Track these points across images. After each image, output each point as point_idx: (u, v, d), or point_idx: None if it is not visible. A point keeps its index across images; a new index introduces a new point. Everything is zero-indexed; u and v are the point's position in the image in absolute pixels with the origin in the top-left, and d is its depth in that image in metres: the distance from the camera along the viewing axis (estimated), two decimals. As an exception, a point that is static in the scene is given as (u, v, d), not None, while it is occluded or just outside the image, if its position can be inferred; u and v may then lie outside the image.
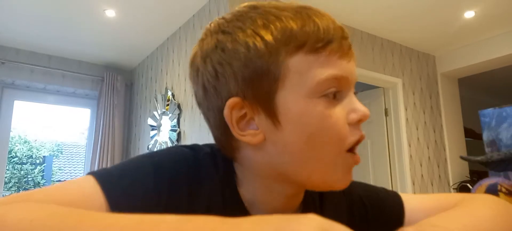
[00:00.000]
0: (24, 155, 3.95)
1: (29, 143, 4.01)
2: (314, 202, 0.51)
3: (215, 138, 0.48)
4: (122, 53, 3.67)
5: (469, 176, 3.68)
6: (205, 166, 0.45)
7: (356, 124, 0.43)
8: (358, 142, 0.43)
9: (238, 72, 0.41)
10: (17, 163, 3.86)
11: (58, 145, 3.93)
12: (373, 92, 3.60)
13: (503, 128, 0.64)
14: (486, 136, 0.70)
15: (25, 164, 4.01)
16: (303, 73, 0.41)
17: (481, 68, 3.82)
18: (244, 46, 0.41)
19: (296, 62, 0.41)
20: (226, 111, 0.42)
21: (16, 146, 3.87)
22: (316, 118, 0.40)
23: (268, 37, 0.41)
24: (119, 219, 0.29)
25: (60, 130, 3.94)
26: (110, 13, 2.83)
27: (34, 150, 4.01)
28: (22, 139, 3.96)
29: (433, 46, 3.77)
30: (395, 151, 3.39)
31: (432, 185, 3.53)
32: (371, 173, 3.51)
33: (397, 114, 3.42)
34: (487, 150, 0.68)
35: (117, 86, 3.78)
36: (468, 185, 3.39)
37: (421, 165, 3.47)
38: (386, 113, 3.49)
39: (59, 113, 3.95)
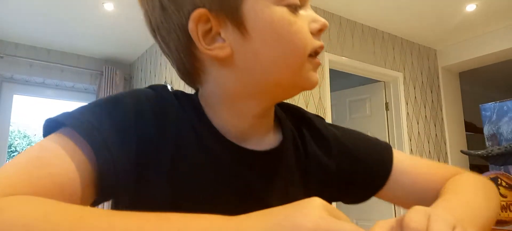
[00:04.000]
0: (24, 149, 3.95)
1: (28, 137, 4.01)
2: (294, 138, 0.51)
3: (177, 64, 0.46)
4: (121, 47, 3.65)
5: (469, 170, 3.67)
6: (167, 99, 0.44)
7: (317, 33, 0.44)
8: (319, 48, 0.44)
9: None
10: (17, 157, 3.87)
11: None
12: (373, 86, 3.58)
13: (504, 122, 0.63)
14: (487, 129, 0.69)
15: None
16: None
17: (482, 62, 3.79)
18: None
19: None
20: (191, 25, 0.40)
21: (16, 140, 3.88)
22: (283, 23, 0.41)
23: None
24: (121, 219, 0.28)
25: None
26: (109, 6, 2.81)
27: (33, 144, 4.01)
28: (21, 133, 3.96)
29: (434, 40, 3.74)
30: (395, 145, 3.38)
31: (432, 179, 3.52)
32: (371, 167, 3.50)
33: (397, 109, 3.41)
34: (487, 143, 0.67)
35: (116, 80, 3.77)
36: (469, 179, 3.38)
37: (421, 159, 3.46)
38: (387, 108, 3.48)
39: (58, 108, 3.94)
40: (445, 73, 3.93)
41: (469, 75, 4.15)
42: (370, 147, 0.56)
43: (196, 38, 0.41)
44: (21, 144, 3.97)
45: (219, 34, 0.41)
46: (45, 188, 0.32)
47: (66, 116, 0.37)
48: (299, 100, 2.72)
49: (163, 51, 0.47)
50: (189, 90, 0.51)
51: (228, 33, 0.41)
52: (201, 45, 0.41)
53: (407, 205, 0.53)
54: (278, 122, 0.51)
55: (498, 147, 0.62)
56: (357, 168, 0.53)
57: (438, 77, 3.88)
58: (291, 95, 0.47)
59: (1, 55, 3.30)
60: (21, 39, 3.41)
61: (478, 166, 3.61)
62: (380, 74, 3.39)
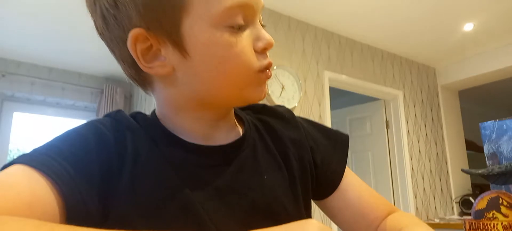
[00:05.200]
0: (23, 167, 3.93)
1: (28, 155, 4.00)
2: (257, 128, 0.52)
3: (125, 71, 0.46)
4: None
5: (471, 189, 3.64)
6: (123, 122, 0.44)
7: (262, 51, 0.43)
8: (266, 67, 0.44)
9: (139, 0, 0.39)
10: (15, 176, 3.84)
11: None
12: (373, 104, 3.59)
13: (504, 141, 0.63)
14: (487, 148, 0.69)
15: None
16: (208, 2, 0.40)
17: (481, 81, 3.81)
18: None
19: None
20: (129, 44, 0.40)
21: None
22: (223, 46, 0.40)
23: None
24: None
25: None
26: (110, 25, 2.84)
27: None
28: (20, 152, 3.95)
29: (433, 59, 3.77)
30: (396, 163, 3.36)
31: (434, 198, 3.48)
32: (372, 186, 3.47)
33: (398, 127, 3.40)
34: (488, 162, 0.66)
35: (116, 99, 3.78)
36: (471, 198, 3.34)
37: (423, 178, 3.43)
38: (387, 126, 3.47)
39: (57, 126, 3.94)
40: (444, 91, 3.95)
41: (469, 93, 4.16)
42: (329, 143, 0.57)
43: (135, 56, 0.41)
44: (20, 162, 3.97)
45: (160, 51, 0.41)
46: (16, 208, 0.31)
47: (21, 155, 0.37)
48: (299, 119, 2.72)
49: (112, 55, 0.47)
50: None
51: (168, 52, 0.41)
52: (141, 63, 0.41)
53: (344, 222, 0.54)
54: (238, 118, 0.52)
55: (498, 166, 0.61)
56: (319, 162, 0.54)
57: (437, 96, 3.89)
58: (241, 105, 0.48)
59: (3, 73, 3.32)
60: (23, 58, 3.44)
61: (479, 186, 3.57)
62: (380, 92, 3.40)
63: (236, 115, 0.52)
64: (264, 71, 0.44)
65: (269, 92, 2.52)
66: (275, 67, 2.60)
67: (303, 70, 2.83)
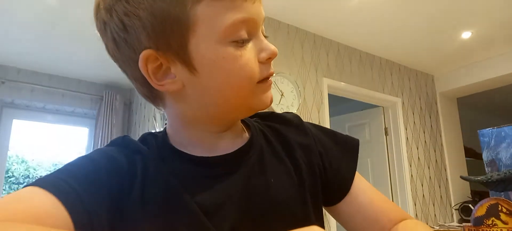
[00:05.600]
0: (21, 174, 3.90)
1: (26, 163, 3.98)
2: (265, 134, 0.53)
3: (137, 89, 0.49)
4: (122, 72, 3.68)
5: (471, 196, 3.64)
6: (129, 142, 0.47)
7: (266, 61, 0.45)
8: (268, 76, 0.46)
9: (147, 23, 0.41)
10: (14, 183, 3.81)
11: (55, 164, 3.91)
12: (372, 111, 3.60)
13: (502, 148, 0.64)
14: (485, 155, 0.70)
15: (22, 183, 3.98)
16: (211, 20, 0.42)
17: (480, 88, 3.83)
18: None
19: (203, 9, 0.41)
20: (141, 64, 0.42)
21: (13, 165, 3.84)
22: (229, 60, 0.42)
23: None
24: None
25: (58, 149, 3.92)
26: (110, 33, 2.85)
27: (31, 170, 3.97)
28: (19, 159, 3.93)
29: (431, 66, 3.79)
30: (396, 170, 3.36)
31: (433, 205, 3.48)
32: (371, 193, 3.47)
33: (397, 134, 3.41)
34: (487, 169, 0.67)
35: (116, 105, 3.78)
36: (470, 205, 3.34)
37: (422, 185, 3.43)
38: (386, 133, 3.48)
39: (57, 133, 3.93)
40: (443, 98, 3.96)
41: (467, 101, 4.18)
42: (337, 148, 0.57)
43: (146, 75, 0.43)
44: (18, 169, 3.94)
45: (170, 69, 0.43)
46: (23, 220, 0.33)
47: (35, 180, 0.39)
48: (298, 126, 2.72)
49: (125, 75, 0.49)
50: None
51: (178, 70, 0.43)
52: (152, 82, 0.44)
53: (356, 227, 0.54)
54: (245, 125, 0.54)
55: (497, 173, 0.62)
56: (327, 166, 0.54)
57: (436, 103, 3.91)
58: (249, 115, 0.50)
59: (3, 80, 3.33)
60: (23, 65, 3.44)
61: (479, 192, 3.57)
62: (379, 100, 3.42)
63: (243, 122, 0.54)
64: (267, 81, 0.46)
65: (269, 99, 2.53)
66: (274, 75, 2.61)
67: (302, 77, 2.84)
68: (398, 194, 3.30)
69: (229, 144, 0.49)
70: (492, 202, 0.57)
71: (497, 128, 0.68)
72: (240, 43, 0.43)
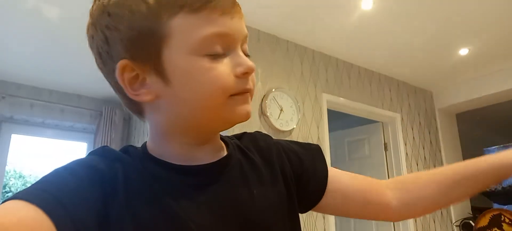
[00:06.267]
0: (18, 189, 3.88)
1: (24, 178, 3.95)
2: (241, 148, 0.55)
3: (121, 101, 0.51)
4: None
5: (471, 213, 3.61)
6: (109, 152, 0.47)
7: (243, 76, 0.45)
8: (244, 91, 0.46)
9: (125, 35, 0.44)
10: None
11: (54, 179, 3.89)
12: (372, 127, 3.60)
13: None
14: None
15: (19, 199, 3.92)
16: (185, 32, 0.43)
17: (478, 104, 3.84)
18: (128, 9, 0.43)
19: (178, 23, 0.43)
20: (117, 73, 0.45)
21: (11, 180, 3.81)
22: (200, 71, 0.43)
23: (151, 0, 0.43)
24: None
25: (56, 164, 3.88)
26: (111, 48, 2.87)
27: (29, 185, 3.94)
28: (17, 173, 3.90)
29: (430, 82, 3.81)
30: (395, 186, 3.34)
31: (434, 222, 3.45)
32: (371, 209, 3.44)
33: (396, 149, 3.40)
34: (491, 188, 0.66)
35: (115, 120, 3.78)
36: (471, 222, 3.31)
37: (422, 201, 3.40)
38: (386, 148, 3.47)
39: (55, 148, 3.92)
40: (442, 114, 3.97)
41: (466, 117, 4.19)
42: (307, 152, 0.61)
43: (123, 84, 0.45)
44: (16, 184, 3.91)
45: (146, 79, 0.45)
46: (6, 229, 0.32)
47: (14, 193, 0.38)
48: (298, 140, 2.72)
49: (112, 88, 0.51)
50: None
51: (152, 80, 0.45)
52: (128, 91, 0.46)
53: (354, 202, 0.58)
54: (224, 142, 0.55)
55: (502, 186, 0.61)
56: (302, 171, 0.58)
57: (435, 119, 3.91)
58: (226, 127, 0.49)
59: (3, 95, 3.33)
60: (23, 80, 3.45)
61: (479, 208, 3.54)
62: (378, 115, 3.42)
63: (222, 139, 0.55)
64: (243, 94, 0.46)
65: (268, 114, 2.53)
66: (273, 90, 2.62)
67: (301, 92, 2.85)
68: (399, 210, 3.27)
69: (208, 157, 0.50)
70: (495, 213, 0.56)
71: (503, 145, 0.68)
72: (215, 56, 0.44)
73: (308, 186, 0.57)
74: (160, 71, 0.44)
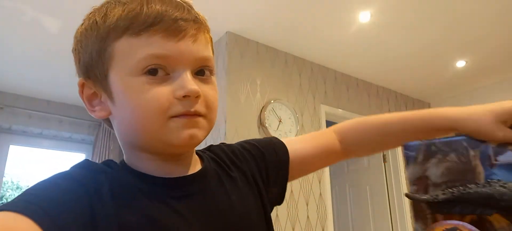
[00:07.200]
0: (15, 201, 3.84)
1: (21, 189, 3.92)
2: (214, 159, 0.58)
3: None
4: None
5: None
6: (91, 164, 0.48)
7: (183, 99, 0.45)
8: (186, 114, 0.45)
9: (81, 56, 0.49)
10: (7, 210, 3.74)
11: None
12: (370, 139, 3.59)
13: (432, 164, 0.56)
14: (411, 172, 0.57)
15: (16, 210, 3.87)
16: (126, 54, 0.45)
17: (476, 115, 3.85)
18: (84, 32, 0.48)
19: (121, 45, 0.45)
20: (78, 90, 0.50)
21: (8, 191, 3.79)
22: (136, 93, 0.44)
23: (101, 23, 0.46)
24: None
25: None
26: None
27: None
28: (14, 185, 3.87)
29: (427, 94, 3.83)
30: (395, 197, 3.33)
31: None
32: (371, 220, 3.43)
33: (395, 160, 3.40)
34: (411, 188, 0.56)
35: (113, 131, 3.77)
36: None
37: (421, 213, 3.39)
38: (384, 159, 3.47)
39: (53, 159, 3.90)
40: (440, 126, 3.98)
41: (464, 128, 4.20)
42: (265, 142, 0.66)
43: (82, 100, 0.50)
44: (12, 195, 3.88)
45: (101, 97, 0.49)
46: None
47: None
48: (296, 152, 2.72)
49: None
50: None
51: (104, 98, 0.48)
52: (87, 106, 0.50)
53: (317, 157, 0.67)
54: (198, 156, 0.57)
55: (442, 192, 0.53)
56: (266, 163, 0.62)
57: (433, 130, 3.92)
58: (173, 150, 0.48)
59: (1, 106, 3.33)
60: (21, 91, 3.45)
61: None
62: (376, 127, 3.42)
63: (197, 154, 0.57)
64: (188, 117, 0.45)
65: (266, 125, 2.54)
66: (272, 101, 2.63)
67: (300, 104, 2.86)
68: (398, 221, 3.26)
69: (185, 170, 0.51)
70: (449, 227, 0.48)
71: (426, 140, 0.60)
72: (155, 78, 0.44)
73: (278, 170, 0.62)
74: (107, 90, 0.47)
